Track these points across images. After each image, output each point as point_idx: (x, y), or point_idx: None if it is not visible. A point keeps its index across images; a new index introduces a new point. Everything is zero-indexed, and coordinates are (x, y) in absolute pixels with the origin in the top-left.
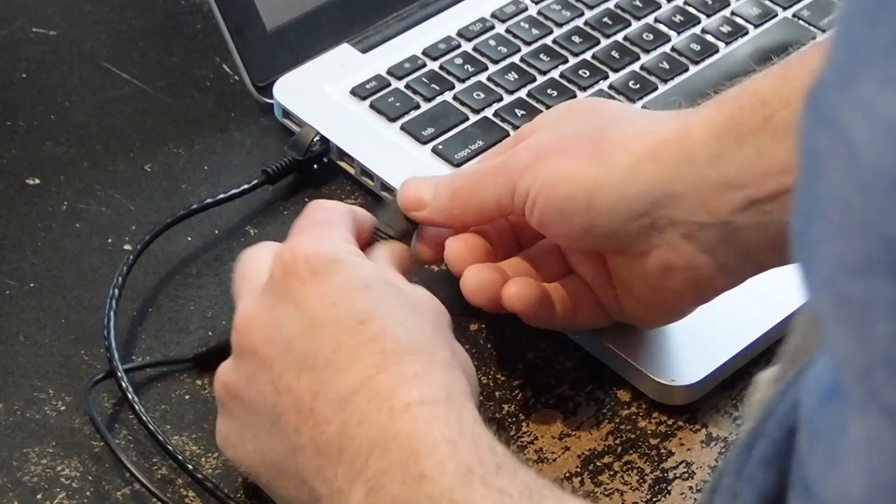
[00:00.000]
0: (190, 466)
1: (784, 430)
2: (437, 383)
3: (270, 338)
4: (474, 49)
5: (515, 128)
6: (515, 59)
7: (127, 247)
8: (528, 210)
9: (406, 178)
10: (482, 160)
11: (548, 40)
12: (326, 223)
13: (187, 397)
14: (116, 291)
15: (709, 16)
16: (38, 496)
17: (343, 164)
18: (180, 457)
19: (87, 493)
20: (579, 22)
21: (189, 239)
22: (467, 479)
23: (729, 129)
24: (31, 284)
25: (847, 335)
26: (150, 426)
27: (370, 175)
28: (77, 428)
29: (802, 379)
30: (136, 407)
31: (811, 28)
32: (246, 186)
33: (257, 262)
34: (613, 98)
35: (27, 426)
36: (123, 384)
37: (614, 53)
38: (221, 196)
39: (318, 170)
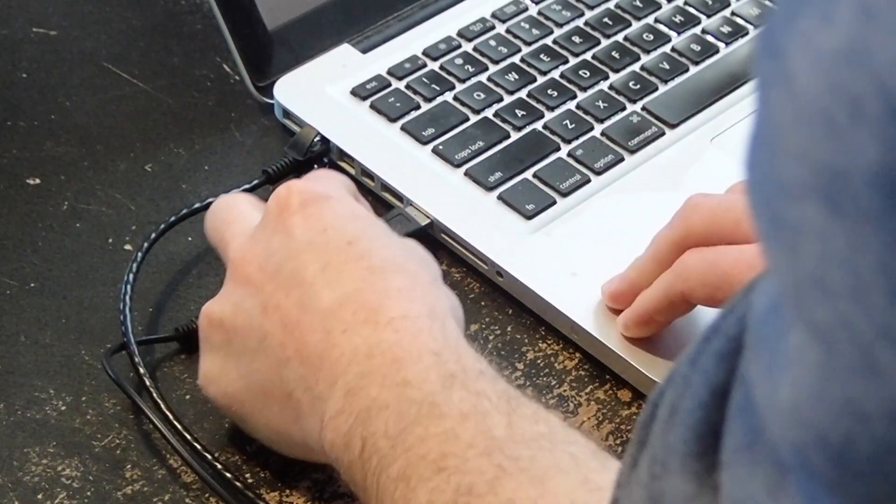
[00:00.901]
0: (209, 455)
1: (740, 327)
2: (421, 299)
3: (263, 265)
4: (474, 49)
5: (516, 128)
6: (515, 59)
7: (127, 247)
8: None
9: None
10: None
11: (548, 40)
12: (326, 175)
13: (188, 397)
14: (131, 277)
15: (709, 16)
16: (39, 496)
17: (343, 165)
18: (198, 445)
19: (88, 493)
20: (579, 22)
21: (189, 239)
22: (448, 384)
23: None
24: (32, 284)
25: (780, 254)
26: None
27: (370, 175)
28: (77, 428)
29: (758, 283)
30: (147, 382)
31: None
32: (246, 186)
33: (241, 206)
34: (614, 98)
35: (27, 426)
36: (136, 360)
37: (614, 54)
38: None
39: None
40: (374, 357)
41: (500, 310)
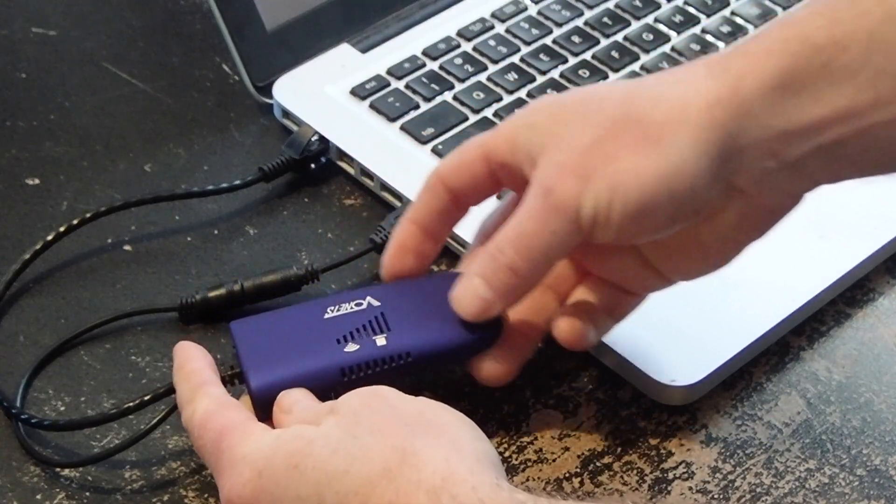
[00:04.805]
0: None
1: None
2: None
3: None
4: (474, 49)
5: None
6: (515, 59)
7: (127, 247)
8: (601, 228)
9: (452, 294)
10: (497, 224)
11: (548, 40)
12: (203, 386)
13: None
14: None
15: (709, 16)
16: (38, 496)
17: (343, 164)
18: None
19: (87, 494)
20: (579, 22)
21: (189, 239)
22: None
23: (784, 80)
24: (31, 284)
25: None
26: None
27: (370, 175)
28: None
29: None
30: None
31: None
32: (238, 182)
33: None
34: None
35: (26, 426)
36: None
37: (614, 53)
38: (210, 188)
39: (316, 169)
40: None
41: None
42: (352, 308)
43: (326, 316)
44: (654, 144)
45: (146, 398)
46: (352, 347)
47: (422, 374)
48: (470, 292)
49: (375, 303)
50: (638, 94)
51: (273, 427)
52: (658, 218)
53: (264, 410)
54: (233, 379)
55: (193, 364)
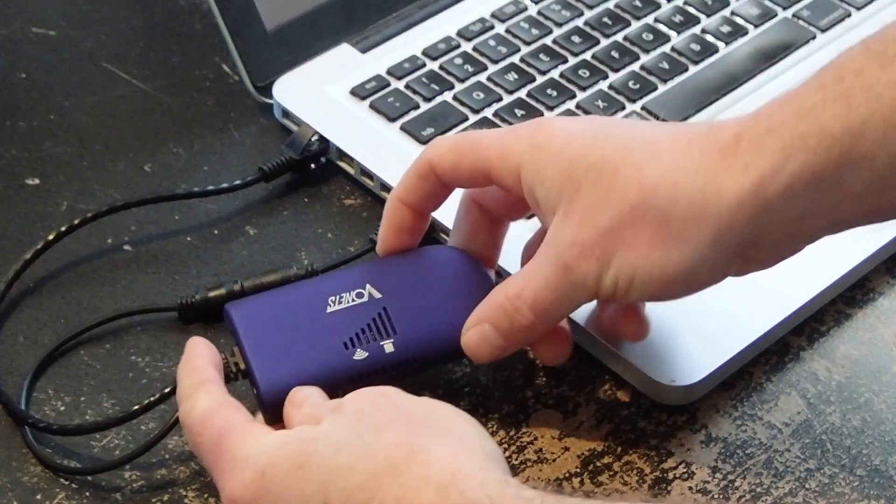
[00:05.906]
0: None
1: None
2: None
3: None
4: (474, 49)
5: None
6: (515, 59)
7: (127, 247)
8: (617, 299)
9: (464, 338)
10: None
11: (547, 40)
12: (205, 384)
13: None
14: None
15: (709, 16)
16: (38, 496)
17: (343, 164)
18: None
19: (87, 494)
20: (579, 22)
21: (189, 239)
22: None
23: (804, 176)
24: (31, 284)
25: None
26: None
27: (370, 175)
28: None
29: None
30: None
31: (811, 28)
32: (238, 182)
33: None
34: (613, 98)
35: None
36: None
37: (614, 53)
38: (210, 188)
39: (316, 169)
40: None
41: None
42: (353, 300)
43: (329, 310)
44: (675, 242)
45: (153, 399)
46: (360, 355)
47: (431, 369)
48: (484, 342)
49: (377, 294)
50: (654, 182)
51: (281, 423)
52: (673, 296)
53: (273, 414)
54: (237, 375)
55: (199, 361)
